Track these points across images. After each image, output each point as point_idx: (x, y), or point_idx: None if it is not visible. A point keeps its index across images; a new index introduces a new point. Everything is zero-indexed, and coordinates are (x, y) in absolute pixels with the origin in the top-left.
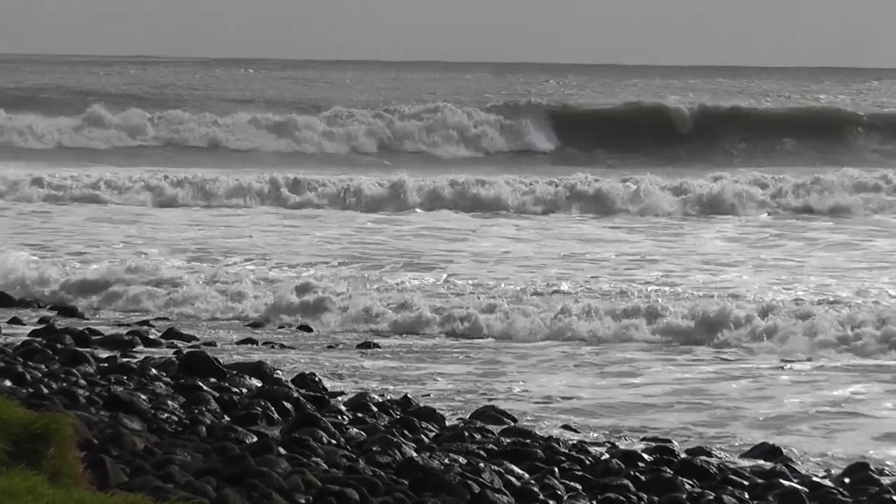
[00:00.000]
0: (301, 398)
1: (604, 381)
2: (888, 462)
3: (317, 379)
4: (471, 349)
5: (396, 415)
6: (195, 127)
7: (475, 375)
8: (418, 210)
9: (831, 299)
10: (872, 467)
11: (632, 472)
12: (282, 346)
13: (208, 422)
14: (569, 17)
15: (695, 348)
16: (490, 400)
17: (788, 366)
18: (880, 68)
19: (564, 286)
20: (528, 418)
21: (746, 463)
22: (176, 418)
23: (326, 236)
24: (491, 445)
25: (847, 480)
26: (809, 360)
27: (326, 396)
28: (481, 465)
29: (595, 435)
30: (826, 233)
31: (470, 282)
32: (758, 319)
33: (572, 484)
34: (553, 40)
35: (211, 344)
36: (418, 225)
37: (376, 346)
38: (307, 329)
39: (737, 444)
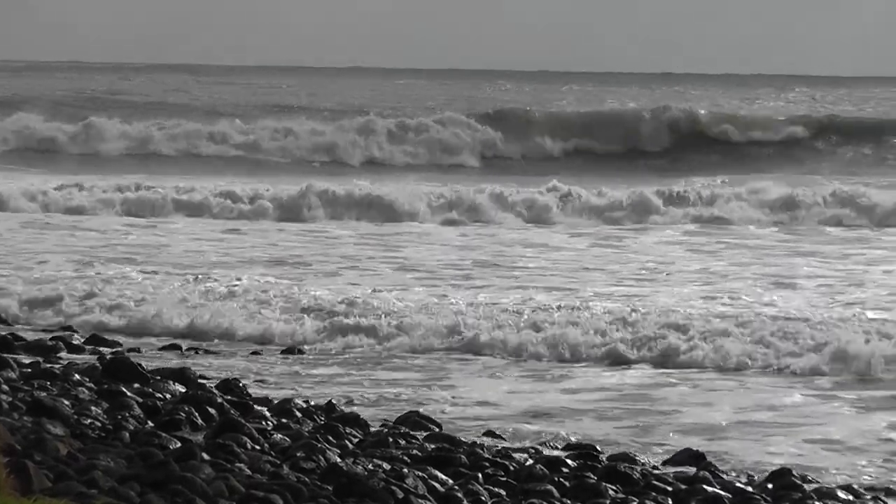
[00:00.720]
0: (225, 404)
1: (542, 387)
2: (813, 469)
3: (241, 384)
4: (400, 356)
5: (321, 420)
6: (127, 133)
7: (403, 382)
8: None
9: (766, 309)
10: (795, 473)
11: (556, 478)
12: (206, 351)
13: (132, 427)
14: (481, 21)
15: (634, 359)
16: (419, 406)
17: (728, 373)
18: (806, 76)
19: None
20: (455, 425)
21: (670, 469)
22: (99, 424)
23: (257, 243)
24: (415, 451)
25: (770, 486)
26: (749, 368)
27: (251, 402)
28: (405, 470)
29: (520, 442)
30: (770, 241)
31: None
32: (691, 330)
33: (496, 490)
34: (469, 46)
35: (135, 350)
36: (363, 231)
37: (301, 351)
38: (231, 336)
39: (666, 449)
